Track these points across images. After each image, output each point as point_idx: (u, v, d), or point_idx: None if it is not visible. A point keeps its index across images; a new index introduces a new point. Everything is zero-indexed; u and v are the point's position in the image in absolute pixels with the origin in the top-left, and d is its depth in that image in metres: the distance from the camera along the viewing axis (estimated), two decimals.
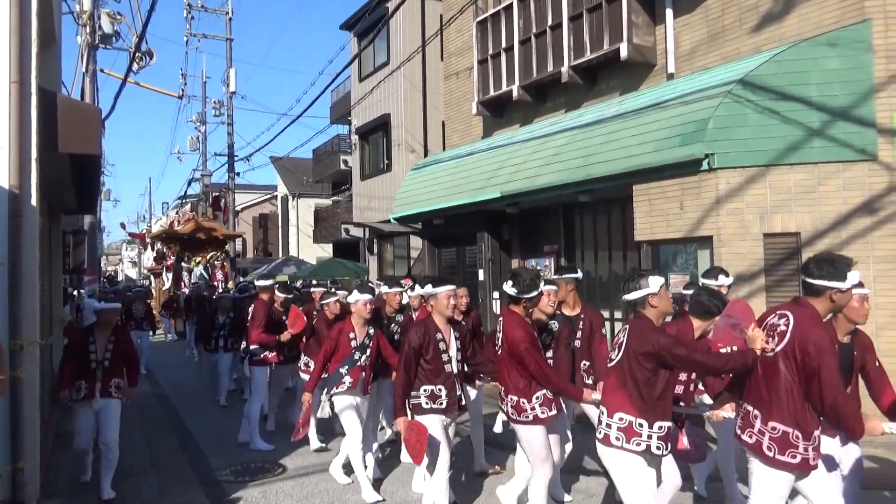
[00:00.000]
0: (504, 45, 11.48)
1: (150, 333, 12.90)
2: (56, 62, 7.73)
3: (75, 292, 12.81)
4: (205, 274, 20.04)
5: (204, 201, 23.80)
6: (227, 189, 22.87)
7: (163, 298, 21.44)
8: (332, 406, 5.77)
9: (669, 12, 9.14)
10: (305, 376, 6.65)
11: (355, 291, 5.53)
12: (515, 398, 4.23)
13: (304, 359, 6.96)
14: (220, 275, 20.25)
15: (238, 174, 22.94)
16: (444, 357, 4.42)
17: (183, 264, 20.38)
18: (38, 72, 4.86)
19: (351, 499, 5.36)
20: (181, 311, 17.58)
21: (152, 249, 26.64)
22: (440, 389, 4.39)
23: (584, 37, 9.92)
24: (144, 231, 35.09)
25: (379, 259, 18.88)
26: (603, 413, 3.51)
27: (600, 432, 3.51)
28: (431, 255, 13.63)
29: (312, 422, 7.07)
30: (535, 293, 4.29)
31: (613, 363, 3.53)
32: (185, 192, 29.89)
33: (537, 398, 4.20)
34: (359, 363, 5.38)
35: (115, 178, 61.91)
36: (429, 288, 4.53)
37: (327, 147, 27.99)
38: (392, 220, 13.96)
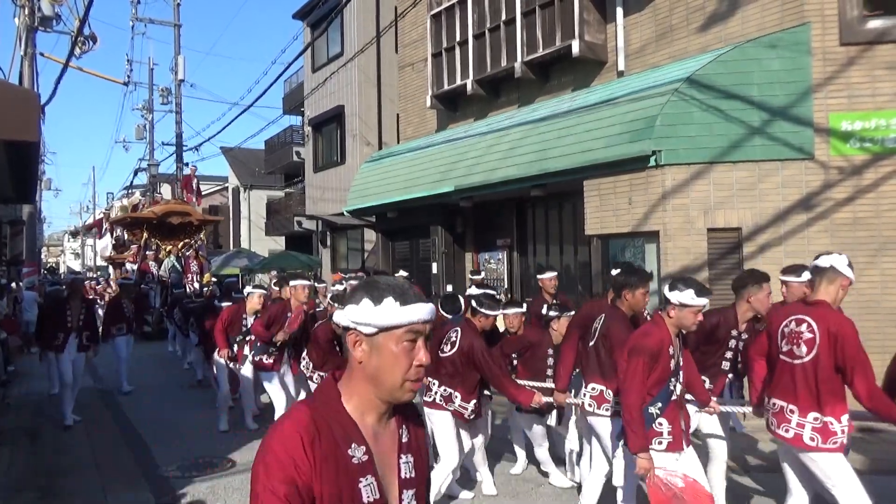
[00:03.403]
0: (458, 38, 11.50)
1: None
2: None
3: (13, 284, 12.32)
4: (177, 265, 17.78)
5: (151, 191, 23.06)
6: (176, 179, 22.23)
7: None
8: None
9: (620, 11, 9.31)
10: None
11: (690, 290, 3.37)
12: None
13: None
14: (194, 266, 17.90)
15: (187, 164, 22.38)
16: None
17: (148, 253, 17.72)
18: None
19: None
20: (148, 308, 15.44)
21: (111, 236, 25.07)
22: None
23: (536, 33, 10.02)
24: (102, 216, 32.97)
25: (332, 252, 18.72)
26: None
27: None
28: (385, 248, 13.60)
29: None
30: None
31: None
32: (132, 181, 29.05)
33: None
34: (674, 396, 3.49)
35: (57, 166, 59.99)
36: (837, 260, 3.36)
37: (280, 138, 27.55)
38: (346, 213, 13.86)
